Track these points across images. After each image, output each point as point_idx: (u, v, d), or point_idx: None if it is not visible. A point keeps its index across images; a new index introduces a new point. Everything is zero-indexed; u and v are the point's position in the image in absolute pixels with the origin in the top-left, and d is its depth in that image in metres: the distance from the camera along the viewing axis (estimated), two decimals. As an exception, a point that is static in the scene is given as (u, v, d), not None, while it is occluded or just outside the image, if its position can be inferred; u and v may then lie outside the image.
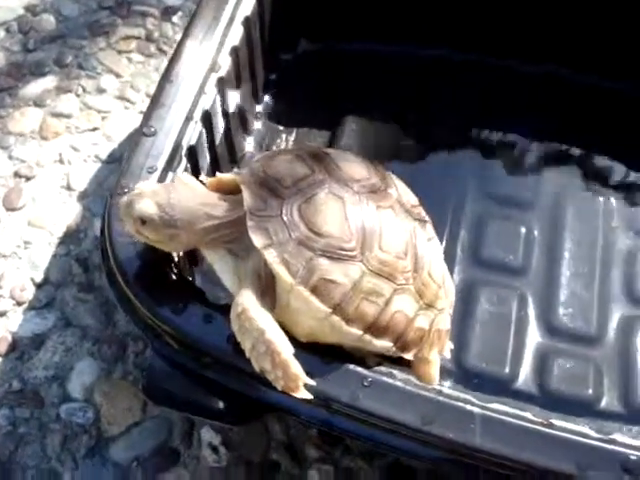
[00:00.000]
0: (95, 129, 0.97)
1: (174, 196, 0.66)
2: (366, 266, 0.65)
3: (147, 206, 0.64)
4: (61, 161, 0.95)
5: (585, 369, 0.82)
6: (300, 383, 0.62)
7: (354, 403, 0.65)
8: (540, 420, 0.67)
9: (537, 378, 0.82)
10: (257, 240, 0.64)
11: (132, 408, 0.79)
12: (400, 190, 0.70)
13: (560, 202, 0.92)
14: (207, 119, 0.81)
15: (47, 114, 0.99)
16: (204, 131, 0.81)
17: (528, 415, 0.68)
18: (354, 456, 0.77)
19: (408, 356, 0.71)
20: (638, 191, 0.93)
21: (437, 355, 0.74)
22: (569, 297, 0.86)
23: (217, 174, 0.71)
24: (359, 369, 0.67)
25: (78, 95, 1.00)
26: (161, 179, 0.74)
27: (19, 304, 0.86)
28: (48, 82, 1.01)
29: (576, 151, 0.96)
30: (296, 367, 0.62)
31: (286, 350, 0.62)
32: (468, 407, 0.66)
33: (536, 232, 0.90)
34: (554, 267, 0.88)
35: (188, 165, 0.78)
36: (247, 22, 0.87)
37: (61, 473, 0.77)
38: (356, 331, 0.66)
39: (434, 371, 0.74)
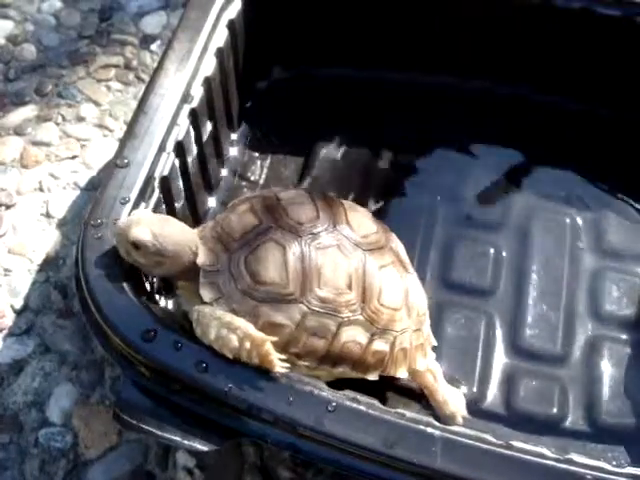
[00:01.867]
0: (74, 157, 0.99)
1: (167, 229, 0.72)
2: (307, 306, 0.71)
3: (144, 233, 0.71)
4: (41, 189, 0.97)
5: (551, 388, 0.84)
6: (273, 357, 0.67)
7: (319, 427, 0.67)
8: (499, 442, 0.69)
9: (504, 398, 0.83)
10: (206, 295, 0.71)
11: (108, 432, 0.81)
12: (353, 223, 0.74)
13: (528, 223, 0.94)
14: (180, 149, 0.83)
15: (27, 143, 1.00)
16: (177, 161, 0.83)
17: (488, 437, 0.70)
18: (325, 477, 0.78)
19: (373, 377, 0.75)
20: (605, 212, 0.95)
21: (424, 365, 0.78)
22: (536, 317, 0.88)
23: None
24: (324, 394, 0.68)
25: (58, 124, 1.02)
26: (134, 209, 0.76)
27: None
28: (28, 111, 1.03)
29: (544, 173, 0.98)
30: (264, 341, 0.67)
31: (249, 326, 0.68)
32: (429, 430, 0.68)
33: (504, 253, 0.92)
34: (521, 288, 0.90)
35: (161, 195, 0.80)
36: (220, 53, 0.89)
37: None
38: (311, 363, 0.71)
39: (432, 380, 0.79)
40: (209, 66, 0.87)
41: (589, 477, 0.66)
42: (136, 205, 0.76)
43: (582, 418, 0.82)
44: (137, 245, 0.70)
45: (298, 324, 0.70)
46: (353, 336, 0.72)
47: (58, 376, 0.85)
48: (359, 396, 0.70)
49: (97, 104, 1.03)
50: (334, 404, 0.68)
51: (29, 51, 1.08)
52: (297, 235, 0.72)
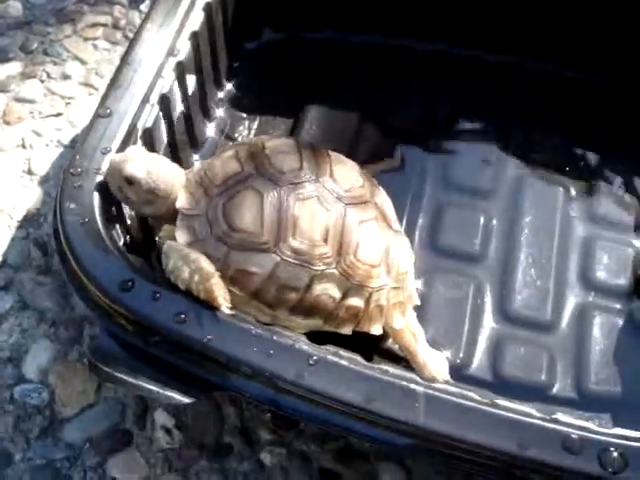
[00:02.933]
0: (59, 114, 0.98)
1: (160, 167, 0.73)
2: (280, 256, 0.70)
3: (139, 169, 0.72)
4: (23, 146, 0.96)
5: (539, 355, 0.83)
6: (217, 294, 0.67)
7: (299, 381, 0.66)
8: (484, 400, 0.68)
9: (491, 364, 0.82)
10: (181, 237, 0.71)
11: (86, 390, 0.80)
12: (337, 175, 0.73)
13: (520, 191, 0.93)
14: (165, 102, 0.82)
15: (10, 99, 0.99)
16: (161, 114, 0.82)
17: (472, 395, 0.69)
18: (306, 439, 0.78)
19: (346, 331, 0.74)
20: (597, 180, 0.94)
21: (401, 323, 0.77)
22: (525, 284, 0.87)
23: None
24: (305, 347, 0.68)
25: (42, 81, 1.01)
26: None
27: None
28: (13, 68, 1.02)
29: (536, 141, 0.97)
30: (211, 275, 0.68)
31: (202, 260, 0.68)
32: (412, 386, 0.67)
33: (495, 220, 0.91)
34: (511, 255, 0.89)
35: (143, 147, 0.78)
36: (208, 8, 0.88)
37: (13, 453, 0.77)
38: (281, 313, 0.71)
39: (412, 342, 0.78)
40: (196, 20, 0.87)
41: (574, 436, 0.65)
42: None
43: (569, 386, 0.81)
44: (131, 181, 0.71)
45: (270, 273, 0.70)
46: (326, 289, 0.72)
47: (36, 333, 0.84)
48: (341, 351, 0.69)
49: (83, 62, 1.03)
50: (315, 358, 0.67)
51: (15, 8, 1.07)
52: (277, 184, 0.71)
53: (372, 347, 0.79)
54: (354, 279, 0.73)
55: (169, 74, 0.83)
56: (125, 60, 0.82)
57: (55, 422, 0.79)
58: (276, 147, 0.73)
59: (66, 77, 1.01)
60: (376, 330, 0.75)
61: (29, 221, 0.90)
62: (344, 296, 0.73)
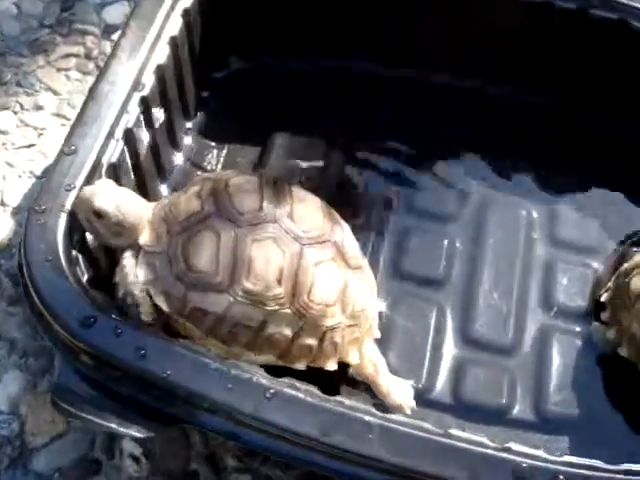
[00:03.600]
0: (31, 145, 0.98)
1: (128, 201, 0.75)
2: (233, 297, 0.72)
3: (107, 203, 0.73)
4: None
5: (499, 378, 0.84)
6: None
7: (257, 414, 0.67)
8: (438, 430, 0.69)
9: (453, 388, 0.83)
10: (141, 275, 0.73)
11: (55, 420, 0.80)
12: (296, 215, 0.74)
13: (483, 215, 0.94)
14: (130, 137, 0.83)
15: None
16: (126, 148, 0.82)
17: (427, 425, 0.70)
18: (271, 465, 0.78)
19: (300, 367, 0.75)
20: (558, 204, 0.95)
21: (356, 359, 0.78)
22: (487, 308, 0.88)
23: None
24: (263, 381, 0.68)
25: (15, 112, 1.01)
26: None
27: None
28: None
29: (500, 165, 0.98)
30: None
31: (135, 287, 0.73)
32: (367, 418, 0.68)
33: (458, 244, 0.92)
34: (474, 279, 0.90)
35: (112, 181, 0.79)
36: (174, 41, 0.88)
37: None
38: (235, 349, 0.73)
39: (373, 372, 0.79)
40: (162, 54, 0.87)
41: (525, 465, 0.66)
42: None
43: (529, 408, 0.83)
44: (99, 214, 0.73)
45: (223, 313, 0.72)
46: (279, 328, 0.73)
47: (6, 363, 0.84)
48: (297, 383, 0.70)
49: (56, 93, 1.03)
50: (272, 391, 0.68)
51: None
52: (235, 225, 0.72)
53: (336, 375, 0.79)
54: (308, 318, 0.73)
55: (134, 109, 0.83)
56: (90, 95, 0.82)
57: (25, 452, 0.79)
58: (238, 185, 0.74)
59: (39, 108, 1.01)
60: (331, 366, 0.76)
61: (1, 252, 0.90)
62: (297, 335, 0.73)
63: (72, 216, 0.75)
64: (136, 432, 0.70)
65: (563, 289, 0.89)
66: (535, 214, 0.94)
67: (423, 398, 0.82)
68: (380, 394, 0.79)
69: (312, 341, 0.74)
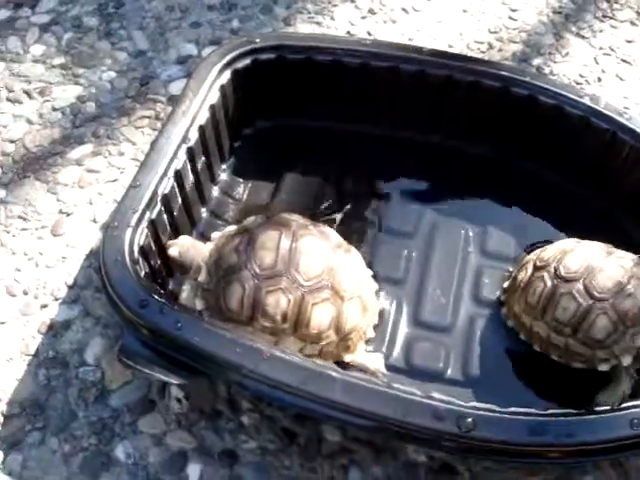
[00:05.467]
0: (115, 180, 1.05)
1: (191, 250, 0.83)
2: (253, 329, 0.78)
3: (173, 251, 0.83)
4: (90, 203, 1.03)
5: (439, 350, 0.87)
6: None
7: (256, 370, 0.72)
8: (381, 383, 0.74)
9: (405, 357, 0.87)
10: (198, 305, 0.81)
11: (125, 372, 0.86)
12: (302, 268, 0.78)
13: (433, 233, 0.97)
14: (178, 176, 0.88)
15: (84, 170, 1.06)
16: (175, 184, 0.88)
17: (374, 379, 0.75)
18: (273, 407, 0.83)
19: None
20: (488, 225, 0.97)
21: (350, 359, 0.82)
22: (432, 300, 0.91)
23: None
24: (262, 347, 0.74)
25: (105, 157, 1.07)
26: (141, 216, 0.82)
27: (56, 299, 0.93)
28: (86, 148, 1.08)
29: (448, 196, 1.00)
30: None
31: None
32: (333, 373, 0.73)
33: (414, 254, 0.95)
34: (424, 279, 0.93)
35: (162, 207, 0.85)
36: (212, 108, 0.94)
37: (77, 413, 0.84)
38: None
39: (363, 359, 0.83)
40: (203, 117, 0.92)
41: (441, 408, 0.71)
42: (142, 213, 0.83)
43: (459, 371, 0.86)
44: (170, 258, 0.83)
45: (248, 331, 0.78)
46: (289, 346, 0.78)
47: (93, 332, 0.90)
48: (287, 349, 0.76)
49: (133, 144, 1.09)
50: (268, 354, 0.73)
51: (90, 107, 1.13)
52: (256, 277, 0.78)
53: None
54: (307, 341, 0.79)
55: (182, 156, 0.89)
56: (151, 147, 0.88)
57: (104, 393, 0.86)
58: (262, 243, 0.79)
59: (121, 154, 1.07)
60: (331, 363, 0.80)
61: (92, 254, 0.97)
62: (302, 349, 0.79)
63: (134, 230, 0.81)
64: (174, 379, 0.76)
65: (488, 287, 0.92)
66: (471, 233, 0.97)
67: (384, 364, 0.85)
68: (359, 365, 0.83)
69: (313, 352, 0.80)
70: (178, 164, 0.88)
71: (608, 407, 0.74)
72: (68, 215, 1.01)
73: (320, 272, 0.79)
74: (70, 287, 0.94)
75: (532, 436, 0.70)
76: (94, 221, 1.01)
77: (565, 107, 0.97)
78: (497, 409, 0.71)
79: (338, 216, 0.98)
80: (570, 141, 0.98)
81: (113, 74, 1.17)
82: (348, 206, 0.99)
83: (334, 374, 0.73)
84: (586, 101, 0.96)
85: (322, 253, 0.81)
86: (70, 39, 1.22)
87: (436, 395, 0.73)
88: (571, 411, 0.73)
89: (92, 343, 0.90)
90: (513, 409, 0.72)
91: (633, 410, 0.72)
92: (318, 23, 1.24)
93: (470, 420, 0.70)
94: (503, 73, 0.98)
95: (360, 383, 0.72)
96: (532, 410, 0.72)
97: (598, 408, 0.74)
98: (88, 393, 0.86)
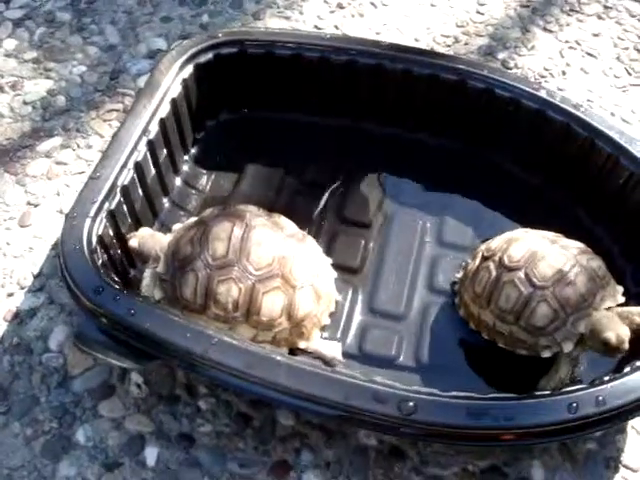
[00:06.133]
0: (83, 172, 1.06)
1: (150, 241, 0.85)
2: (208, 317, 0.81)
3: (133, 243, 0.85)
4: (58, 194, 1.05)
5: (392, 337, 0.89)
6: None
7: (205, 355, 0.74)
8: (325, 367, 0.76)
9: (358, 343, 0.88)
10: (157, 294, 0.83)
11: (87, 358, 0.88)
12: (253, 258, 0.80)
13: (391, 223, 0.99)
14: (139, 167, 0.90)
15: (52, 163, 1.08)
16: (135, 175, 0.90)
17: (317, 363, 0.77)
18: (230, 392, 0.85)
19: None
20: (445, 216, 0.99)
21: (304, 345, 0.83)
22: (387, 288, 0.92)
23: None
24: (211, 332, 0.76)
25: (74, 150, 1.09)
26: (99, 207, 0.84)
27: (22, 288, 0.95)
28: (56, 141, 1.10)
29: (405, 188, 1.02)
30: None
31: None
32: (277, 357, 0.75)
33: (371, 244, 0.97)
34: (380, 268, 0.94)
35: (121, 198, 0.87)
36: (174, 101, 0.96)
37: (39, 398, 0.86)
38: None
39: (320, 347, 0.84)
40: (164, 111, 0.94)
41: (383, 391, 0.72)
42: (101, 204, 0.84)
43: (410, 357, 0.87)
44: (130, 249, 0.85)
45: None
46: (242, 333, 0.80)
47: (58, 320, 0.92)
48: (234, 335, 0.78)
49: (101, 137, 1.10)
50: (216, 339, 0.75)
51: (61, 100, 1.15)
52: (208, 267, 0.80)
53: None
54: (260, 327, 0.81)
55: (142, 148, 0.91)
56: (112, 139, 0.90)
57: (67, 378, 0.88)
58: (215, 234, 0.82)
59: (89, 147, 1.09)
60: (286, 350, 0.83)
61: (57, 245, 0.95)
62: (256, 336, 0.81)
63: (93, 220, 0.83)
64: (128, 365, 0.79)
65: (443, 276, 0.93)
66: (428, 223, 0.98)
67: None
68: (315, 352, 0.84)
69: (266, 338, 0.81)
70: (138, 156, 0.90)
71: (548, 392, 0.76)
72: (36, 206, 1.03)
73: (271, 261, 0.81)
74: (36, 276, 0.96)
75: (472, 419, 0.72)
76: (61, 212, 1.03)
77: (522, 100, 0.99)
78: (438, 393, 0.74)
79: (296, 208, 0.99)
80: (526, 133, 1.00)
81: (84, 68, 1.19)
82: (308, 196, 1.00)
83: (279, 358, 0.75)
84: (542, 94, 0.98)
85: (274, 243, 0.82)
86: (43, 34, 1.24)
87: (379, 379, 0.75)
88: (511, 395, 0.76)
89: (56, 330, 0.92)
90: (454, 393, 0.74)
91: (571, 394, 0.74)
92: (287, 17, 1.26)
93: (411, 404, 0.72)
94: (460, 66, 1.00)
95: (304, 367, 0.74)
96: (473, 394, 0.75)
97: (538, 393, 0.76)
98: (51, 379, 0.88)
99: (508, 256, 0.83)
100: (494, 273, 0.84)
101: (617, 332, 0.76)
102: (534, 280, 0.80)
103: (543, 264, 0.81)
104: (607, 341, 0.76)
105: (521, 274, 0.81)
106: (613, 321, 0.78)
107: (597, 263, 0.83)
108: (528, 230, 0.89)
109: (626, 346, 0.76)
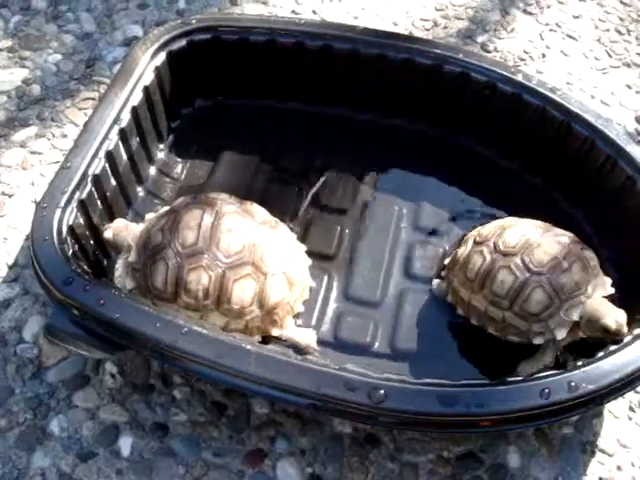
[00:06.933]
0: (57, 162, 1.05)
1: (124, 233, 0.84)
2: (178, 305, 0.80)
3: (107, 234, 0.84)
4: (33, 184, 1.03)
5: (367, 324, 0.88)
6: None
7: (174, 345, 0.74)
8: (296, 356, 0.75)
9: (333, 330, 0.87)
10: (128, 283, 0.82)
11: (61, 349, 0.86)
12: (222, 245, 0.79)
13: (367, 209, 0.98)
14: (110, 156, 0.89)
15: (27, 152, 1.07)
16: (107, 165, 0.88)
17: (289, 352, 0.76)
18: (204, 382, 0.85)
19: None
20: (422, 202, 0.98)
21: (278, 333, 0.83)
22: (362, 275, 0.91)
23: None
24: (180, 321, 0.75)
25: (49, 139, 1.08)
26: (70, 197, 0.83)
27: None
28: (31, 131, 1.09)
29: (382, 174, 1.01)
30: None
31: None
32: (247, 346, 0.74)
33: (347, 230, 0.96)
34: (355, 254, 0.93)
35: (92, 188, 0.86)
36: (146, 89, 0.95)
37: (14, 389, 0.86)
38: None
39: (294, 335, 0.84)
40: (136, 99, 0.93)
41: (354, 379, 0.72)
42: (72, 194, 0.83)
43: (385, 344, 0.86)
44: (105, 240, 0.85)
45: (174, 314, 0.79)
46: (214, 321, 0.80)
47: (32, 310, 0.92)
48: (206, 324, 0.77)
49: (77, 126, 1.09)
50: (186, 329, 0.74)
51: (36, 89, 1.14)
52: (178, 256, 0.79)
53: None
54: (231, 316, 0.80)
55: (114, 137, 0.89)
56: (84, 128, 0.89)
57: (41, 369, 0.87)
58: (185, 222, 0.81)
59: (64, 136, 1.08)
60: (258, 338, 0.82)
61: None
62: (227, 324, 0.80)
63: (63, 210, 0.82)
64: (99, 355, 0.78)
65: (419, 262, 0.92)
66: (405, 209, 0.98)
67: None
68: (289, 340, 0.83)
69: (239, 326, 0.80)
70: (110, 145, 0.89)
71: (520, 377, 0.76)
72: (10, 197, 1.02)
73: (241, 249, 0.80)
74: (10, 267, 0.95)
75: (443, 406, 0.72)
76: (35, 202, 0.99)
77: (498, 84, 0.97)
78: (409, 380, 0.73)
79: (270, 197, 0.98)
80: (503, 117, 0.99)
81: (59, 57, 1.17)
82: (283, 183, 0.99)
83: (249, 347, 0.74)
84: (519, 78, 0.97)
85: (244, 230, 0.81)
86: (18, 22, 1.22)
87: (350, 367, 0.74)
88: (482, 382, 0.75)
89: (30, 321, 0.91)
90: (426, 380, 0.73)
91: (544, 380, 0.73)
92: (264, 2, 1.24)
93: (382, 392, 0.71)
94: (436, 51, 0.99)
95: (275, 356, 0.74)
96: (444, 381, 0.74)
97: (510, 378, 0.75)
98: (25, 369, 0.87)
99: (503, 242, 0.82)
100: (488, 258, 0.82)
101: (615, 317, 0.75)
102: (530, 266, 0.79)
103: (539, 251, 0.80)
104: (607, 327, 0.75)
105: (517, 260, 0.80)
106: (608, 307, 0.77)
107: (589, 253, 0.83)
108: (519, 219, 0.87)
109: (625, 330, 0.75)
